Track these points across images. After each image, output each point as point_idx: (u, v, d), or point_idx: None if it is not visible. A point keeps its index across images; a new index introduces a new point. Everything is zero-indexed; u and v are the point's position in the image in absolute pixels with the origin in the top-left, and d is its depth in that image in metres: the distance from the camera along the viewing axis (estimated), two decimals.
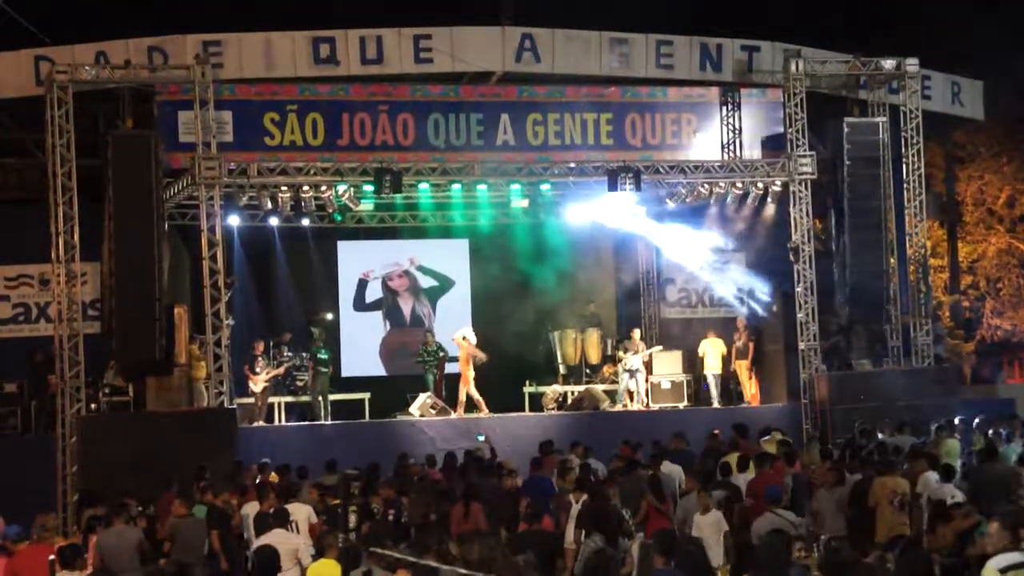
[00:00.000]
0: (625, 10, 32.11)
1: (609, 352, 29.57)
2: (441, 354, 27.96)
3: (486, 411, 26.91)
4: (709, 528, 15.40)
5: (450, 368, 28.10)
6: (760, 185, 26.87)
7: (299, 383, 27.34)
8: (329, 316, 30.02)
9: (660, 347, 29.23)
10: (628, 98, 28.36)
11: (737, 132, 28.84)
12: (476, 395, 27.19)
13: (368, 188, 25.46)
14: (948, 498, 15.60)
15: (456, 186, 26.65)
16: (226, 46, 25.82)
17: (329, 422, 26.56)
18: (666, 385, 28.67)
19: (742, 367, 28.56)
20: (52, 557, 14.15)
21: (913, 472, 17.30)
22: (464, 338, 27.70)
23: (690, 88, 28.61)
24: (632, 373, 28.11)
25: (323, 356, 26.86)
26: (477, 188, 26.82)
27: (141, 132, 24.04)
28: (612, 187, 25.69)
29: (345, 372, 29.71)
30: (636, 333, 28.86)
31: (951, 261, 39.21)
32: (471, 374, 27.30)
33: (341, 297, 30.82)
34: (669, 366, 28.95)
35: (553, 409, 27.93)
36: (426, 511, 17.17)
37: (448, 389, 27.66)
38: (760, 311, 28.73)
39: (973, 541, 13.48)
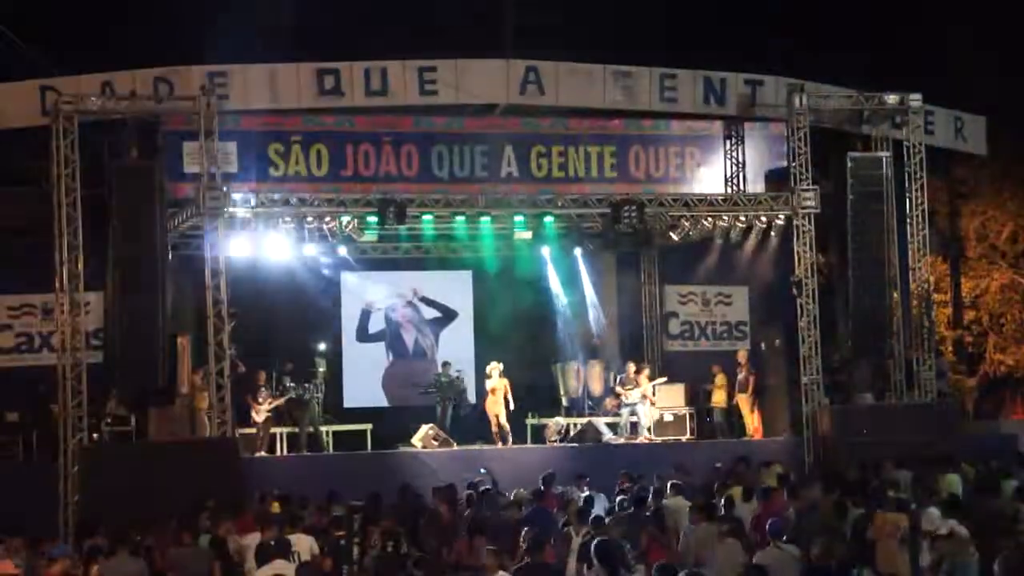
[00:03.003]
0: (629, 43, 32.15)
1: (612, 384, 29.52)
2: (458, 384, 27.97)
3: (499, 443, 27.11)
4: None
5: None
6: (763, 219, 26.94)
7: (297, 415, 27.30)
8: (322, 346, 29.90)
9: (664, 379, 29.15)
10: (631, 131, 28.42)
11: (740, 166, 28.88)
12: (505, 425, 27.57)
13: (372, 219, 25.49)
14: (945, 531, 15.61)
15: (460, 218, 26.64)
16: (231, 77, 25.88)
17: (331, 453, 26.53)
18: (669, 418, 28.61)
19: (744, 400, 28.50)
20: None
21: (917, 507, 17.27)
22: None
23: (693, 121, 28.67)
24: (631, 407, 28.02)
25: (305, 395, 26.85)
26: (481, 220, 26.84)
27: (146, 163, 24.10)
28: (616, 220, 25.76)
29: (347, 403, 29.69)
30: (631, 367, 28.62)
31: (954, 296, 39.12)
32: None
33: (344, 328, 30.78)
34: (672, 399, 28.86)
35: (555, 441, 27.85)
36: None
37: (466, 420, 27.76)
38: None
39: None
